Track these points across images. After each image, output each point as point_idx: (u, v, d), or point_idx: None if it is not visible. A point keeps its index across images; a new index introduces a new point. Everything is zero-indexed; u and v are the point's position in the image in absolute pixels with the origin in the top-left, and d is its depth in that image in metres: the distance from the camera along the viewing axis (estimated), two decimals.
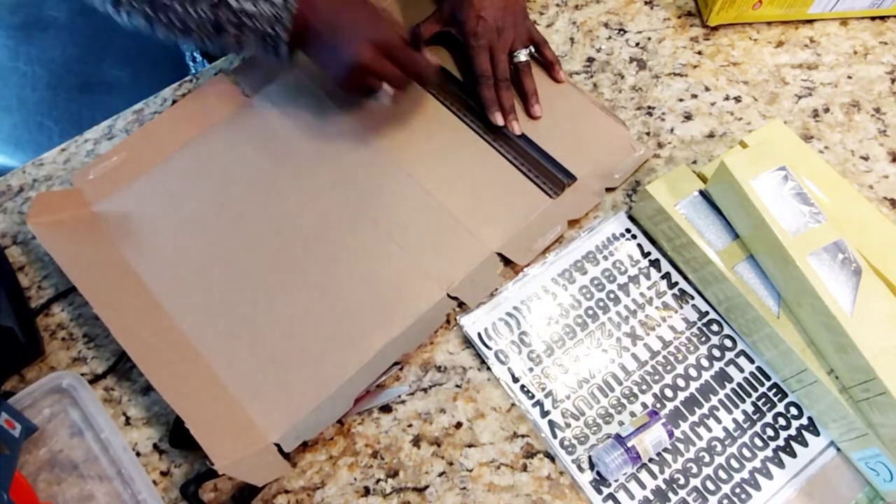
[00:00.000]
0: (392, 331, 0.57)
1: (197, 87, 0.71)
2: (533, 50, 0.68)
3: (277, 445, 0.53)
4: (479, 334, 0.57)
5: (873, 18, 0.73)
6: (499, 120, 0.65)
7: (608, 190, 0.64)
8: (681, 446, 0.53)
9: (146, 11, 0.56)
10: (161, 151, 0.66)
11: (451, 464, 0.53)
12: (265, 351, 0.57)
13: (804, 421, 0.54)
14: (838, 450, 0.53)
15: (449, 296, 0.58)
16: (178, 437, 0.53)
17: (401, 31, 0.61)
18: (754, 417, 0.54)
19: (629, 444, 0.50)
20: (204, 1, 0.55)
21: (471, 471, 0.53)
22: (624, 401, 0.55)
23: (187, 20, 0.56)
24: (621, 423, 0.54)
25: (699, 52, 0.71)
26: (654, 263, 0.60)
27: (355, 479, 0.53)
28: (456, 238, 0.61)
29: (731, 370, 0.56)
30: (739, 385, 0.55)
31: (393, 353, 0.56)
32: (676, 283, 0.59)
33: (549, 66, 0.69)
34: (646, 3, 0.75)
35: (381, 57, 0.58)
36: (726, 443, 0.53)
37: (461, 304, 0.58)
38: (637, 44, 0.72)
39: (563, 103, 0.68)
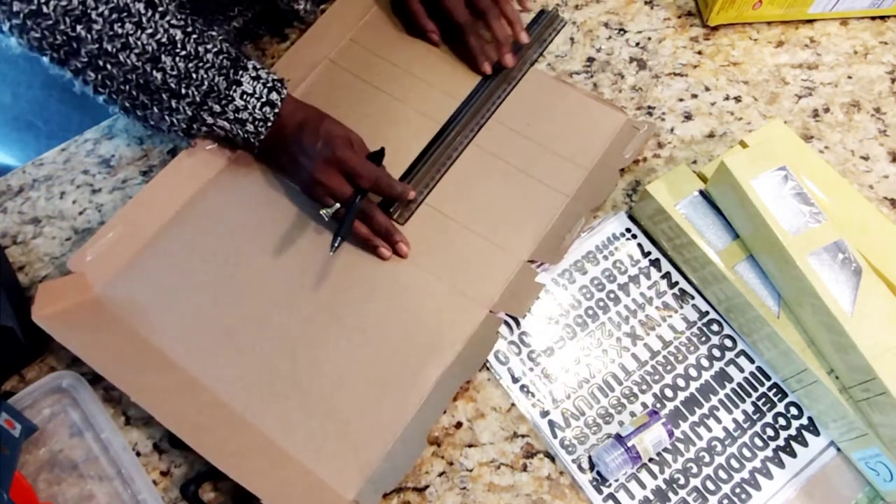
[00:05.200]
0: (444, 359, 0.55)
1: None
2: None
3: (356, 503, 0.51)
4: None
5: (873, 18, 0.73)
6: (487, 69, 0.67)
7: (622, 171, 0.64)
8: (681, 446, 0.53)
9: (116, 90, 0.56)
10: (158, 218, 0.61)
11: (451, 464, 0.53)
12: (318, 407, 0.54)
13: (804, 421, 0.54)
14: (838, 450, 0.53)
15: (493, 312, 0.57)
16: (178, 438, 0.53)
17: (359, 145, 0.60)
18: (754, 417, 0.54)
19: (629, 444, 0.50)
20: (181, 112, 0.57)
21: (471, 471, 0.53)
22: (624, 401, 0.55)
23: (161, 118, 0.57)
24: (621, 423, 0.54)
25: (699, 52, 0.71)
26: (655, 263, 0.60)
27: None
28: (485, 255, 0.60)
29: (732, 370, 0.56)
30: (739, 385, 0.55)
31: (453, 382, 0.54)
32: (676, 283, 0.59)
33: None
34: (646, 3, 0.74)
35: (337, 174, 0.57)
36: (726, 443, 0.53)
37: (513, 317, 0.58)
38: (637, 44, 0.72)
39: (560, 103, 0.68)
